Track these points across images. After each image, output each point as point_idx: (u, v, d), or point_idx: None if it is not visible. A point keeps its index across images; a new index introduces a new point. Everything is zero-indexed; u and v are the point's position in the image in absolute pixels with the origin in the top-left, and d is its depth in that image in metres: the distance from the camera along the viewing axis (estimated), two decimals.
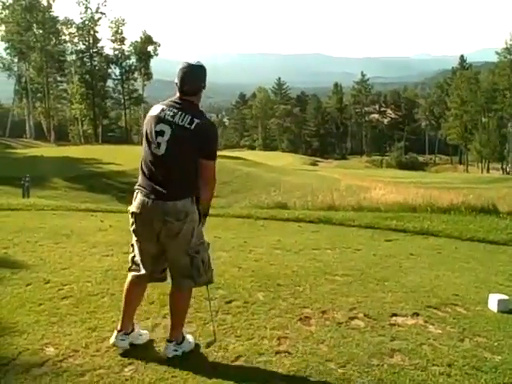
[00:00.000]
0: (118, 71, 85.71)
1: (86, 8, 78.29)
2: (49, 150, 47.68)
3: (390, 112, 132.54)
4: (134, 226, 3.86)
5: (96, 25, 79.95)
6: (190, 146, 3.66)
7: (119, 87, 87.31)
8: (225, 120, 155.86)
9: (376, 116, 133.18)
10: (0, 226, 8.89)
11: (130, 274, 4.06)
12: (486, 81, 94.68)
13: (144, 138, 3.85)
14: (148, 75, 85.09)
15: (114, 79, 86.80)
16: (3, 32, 71.56)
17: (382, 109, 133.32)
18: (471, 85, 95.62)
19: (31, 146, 59.74)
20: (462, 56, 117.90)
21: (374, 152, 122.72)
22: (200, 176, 3.75)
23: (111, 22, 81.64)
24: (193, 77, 3.78)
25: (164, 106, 3.81)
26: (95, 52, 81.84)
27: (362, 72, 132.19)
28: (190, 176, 3.73)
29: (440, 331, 4.52)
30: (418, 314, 4.90)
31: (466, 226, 9.33)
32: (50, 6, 74.81)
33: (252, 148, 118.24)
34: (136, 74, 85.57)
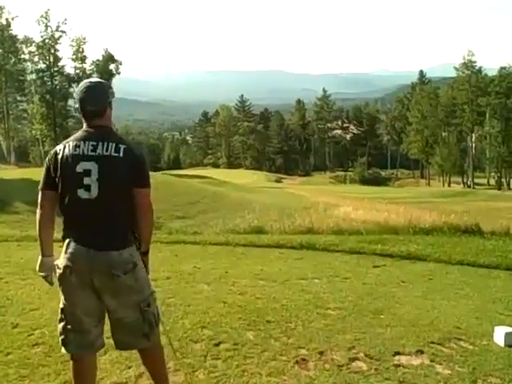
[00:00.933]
0: None
1: (46, 26, 76.94)
2: (8, 172, 46.50)
3: (353, 128, 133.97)
4: (65, 284, 3.17)
5: (56, 43, 78.48)
6: (124, 177, 3.11)
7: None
8: (188, 138, 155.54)
9: (339, 132, 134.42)
10: None
11: (69, 350, 3.30)
12: (446, 96, 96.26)
13: (60, 184, 3.17)
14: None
15: (74, 99, 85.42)
16: None
17: (345, 125, 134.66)
18: (431, 100, 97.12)
19: None
20: (421, 71, 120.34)
21: (337, 168, 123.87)
22: (137, 209, 3.18)
23: (72, 40, 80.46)
24: (95, 94, 3.22)
25: (76, 142, 3.15)
26: (56, 71, 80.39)
27: (323, 88, 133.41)
28: (130, 215, 3.18)
29: (449, 372, 4.21)
30: (422, 352, 4.59)
31: (453, 248, 9.14)
32: (9, 25, 73.46)
33: (216, 166, 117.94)
34: None
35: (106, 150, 3.10)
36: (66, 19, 79.50)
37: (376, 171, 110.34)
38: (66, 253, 3.15)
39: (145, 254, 3.33)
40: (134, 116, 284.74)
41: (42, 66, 79.69)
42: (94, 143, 3.12)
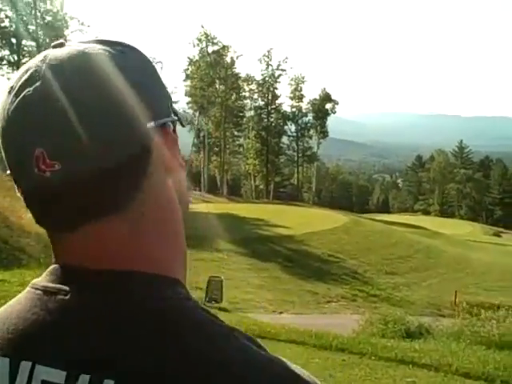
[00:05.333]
0: (293, 128, 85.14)
1: (268, 65, 79.01)
2: (216, 206, 46.57)
3: None
4: None
5: (276, 82, 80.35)
6: None
7: (294, 144, 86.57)
8: (399, 181, 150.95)
9: None
10: None
11: None
12: None
13: None
14: (324, 133, 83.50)
15: (289, 136, 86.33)
16: (188, 87, 74.06)
17: None
18: None
19: (203, 200, 59.73)
20: None
21: None
22: None
23: (291, 79, 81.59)
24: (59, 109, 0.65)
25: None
26: (273, 108, 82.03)
27: None
28: None
29: None
30: None
31: None
32: (233, 63, 76.24)
33: (426, 213, 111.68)
34: (311, 132, 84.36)
35: None
36: (286, 58, 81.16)
37: None
38: None
39: None
40: (345, 156, 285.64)
41: (260, 103, 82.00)
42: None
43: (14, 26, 46.56)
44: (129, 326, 0.64)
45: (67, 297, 0.68)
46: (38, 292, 0.70)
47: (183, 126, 0.84)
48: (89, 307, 0.67)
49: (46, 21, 47.69)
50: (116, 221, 0.68)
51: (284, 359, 0.67)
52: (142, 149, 0.68)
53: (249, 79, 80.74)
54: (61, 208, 0.68)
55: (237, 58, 76.90)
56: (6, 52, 48.09)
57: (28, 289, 0.73)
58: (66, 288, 0.68)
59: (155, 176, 0.70)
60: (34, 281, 0.73)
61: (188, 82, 74.52)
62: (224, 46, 75.13)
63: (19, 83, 0.67)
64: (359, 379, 7.47)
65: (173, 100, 0.78)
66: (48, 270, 0.73)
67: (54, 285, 0.70)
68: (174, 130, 0.77)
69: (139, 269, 0.69)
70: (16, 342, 0.68)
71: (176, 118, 0.77)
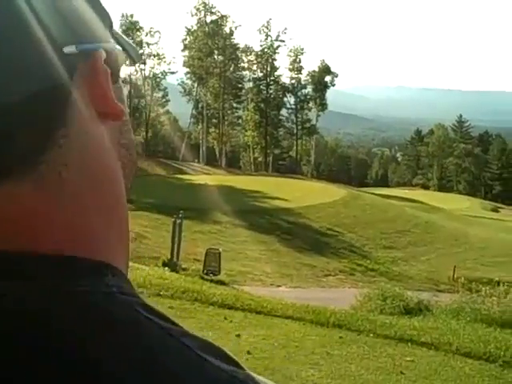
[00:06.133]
0: (292, 100, 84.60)
1: (267, 36, 78.24)
2: (215, 178, 46.33)
3: None
4: None
5: (275, 53, 79.69)
6: None
7: (293, 117, 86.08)
8: (398, 156, 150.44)
9: None
10: None
11: None
12: None
13: None
14: (323, 106, 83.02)
15: (288, 108, 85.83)
16: (186, 57, 73.40)
17: None
18: None
19: (202, 172, 59.46)
20: None
21: None
22: None
23: (290, 50, 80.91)
24: None
25: None
26: (272, 80, 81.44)
27: None
28: None
29: None
30: None
31: None
32: (231, 33, 75.55)
33: (425, 187, 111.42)
34: (311, 104, 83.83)
35: None
36: (285, 29, 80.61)
37: None
38: None
39: None
40: (345, 129, 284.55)
41: (259, 74, 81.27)
42: None
43: None
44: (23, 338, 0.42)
45: None
46: None
47: (133, 60, 0.63)
48: None
49: None
50: (17, 183, 0.46)
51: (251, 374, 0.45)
52: (53, 82, 0.46)
53: (247, 50, 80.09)
54: None
55: (235, 28, 76.39)
56: None
57: None
58: None
59: (77, 122, 0.49)
60: None
61: (186, 53, 73.93)
62: (222, 16, 74.52)
63: None
64: (357, 357, 7.29)
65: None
66: None
67: None
68: (112, 63, 0.54)
69: (48, 250, 0.47)
70: None
71: (116, 46, 0.57)
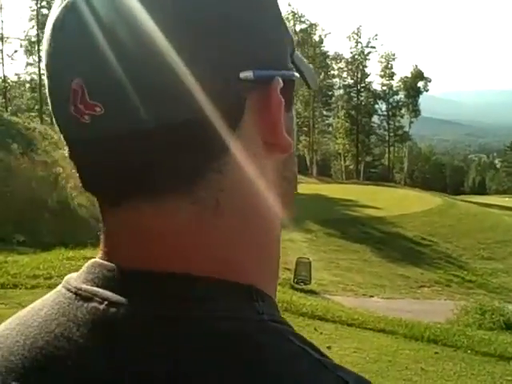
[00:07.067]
0: (384, 107, 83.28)
1: (357, 42, 77.64)
2: (307, 187, 46.19)
3: None
4: None
5: (366, 59, 78.98)
6: None
7: (384, 123, 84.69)
8: (496, 162, 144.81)
9: None
10: None
11: None
12: None
13: None
14: (416, 112, 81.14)
15: (379, 115, 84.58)
16: None
17: None
18: None
19: None
20: None
21: None
22: None
23: (381, 56, 79.86)
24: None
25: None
26: (363, 87, 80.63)
27: None
28: None
29: None
30: None
31: None
32: (321, 41, 75.58)
33: None
34: (403, 111, 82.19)
35: None
36: (376, 35, 79.69)
37: None
38: None
39: None
40: (439, 136, 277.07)
41: (349, 81, 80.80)
42: None
43: None
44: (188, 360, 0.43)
45: (101, 306, 0.47)
46: (69, 295, 0.51)
47: (310, 87, 0.58)
48: (128, 324, 0.46)
49: None
50: (178, 202, 0.47)
51: None
52: (225, 107, 0.45)
53: (337, 57, 79.81)
54: (101, 169, 0.48)
55: (325, 36, 76.28)
56: None
57: (59, 287, 0.54)
58: (102, 293, 0.48)
59: (242, 151, 0.47)
60: (69, 276, 0.54)
61: None
62: (312, 24, 74.68)
63: (58, 11, 0.48)
64: (453, 375, 6.97)
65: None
66: (87, 263, 0.53)
67: (88, 287, 0.50)
68: (288, 92, 0.51)
69: (203, 273, 0.47)
70: (34, 365, 0.48)
71: (294, 73, 0.53)
